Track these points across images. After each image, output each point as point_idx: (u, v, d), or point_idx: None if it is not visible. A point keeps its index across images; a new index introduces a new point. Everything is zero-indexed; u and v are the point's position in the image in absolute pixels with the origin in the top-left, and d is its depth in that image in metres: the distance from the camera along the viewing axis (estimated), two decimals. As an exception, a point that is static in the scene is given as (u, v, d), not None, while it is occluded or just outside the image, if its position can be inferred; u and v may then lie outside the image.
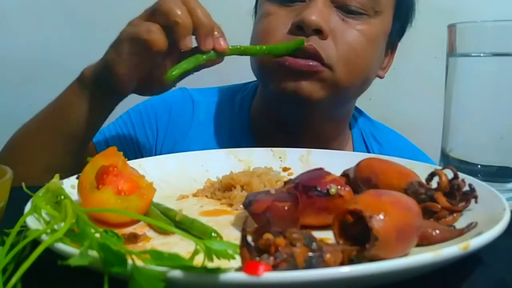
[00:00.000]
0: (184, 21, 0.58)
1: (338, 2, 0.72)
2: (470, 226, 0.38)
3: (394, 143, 0.91)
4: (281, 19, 0.72)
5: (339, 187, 0.43)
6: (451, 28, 0.56)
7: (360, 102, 1.20)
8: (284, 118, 0.81)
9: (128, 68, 0.64)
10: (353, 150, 0.87)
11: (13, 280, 0.27)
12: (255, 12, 0.85)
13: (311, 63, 0.69)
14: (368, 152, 0.87)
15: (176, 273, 0.27)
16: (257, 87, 0.90)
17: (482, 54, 0.55)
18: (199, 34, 0.60)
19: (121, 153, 0.48)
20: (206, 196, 0.56)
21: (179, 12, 0.58)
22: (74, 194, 0.44)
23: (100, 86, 0.68)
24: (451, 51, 0.57)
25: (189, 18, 0.59)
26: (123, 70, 0.64)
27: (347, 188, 0.43)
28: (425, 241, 0.38)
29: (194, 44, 0.61)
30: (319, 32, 0.69)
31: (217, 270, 0.27)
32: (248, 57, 0.75)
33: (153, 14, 0.61)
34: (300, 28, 0.69)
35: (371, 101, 1.22)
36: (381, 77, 0.85)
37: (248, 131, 0.87)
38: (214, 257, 0.29)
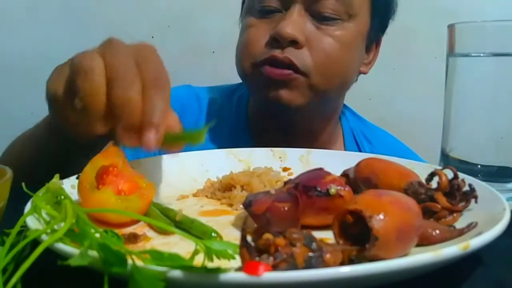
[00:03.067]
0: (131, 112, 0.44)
1: (312, 11, 0.73)
2: (470, 226, 0.38)
3: (385, 142, 0.94)
4: (261, 32, 0.75)
5: (339, 187, 0.43)
6: (451, 28, 0.56)
7: (360, 102, 1.21)
8: (274, 119, 0.83)
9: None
10: (344, 148, 0.90)
11: (13, 280, 0.27)
12: (240, 21, 0.87)
13: (285, 72, 0.72)
14: (359, 150, 0.90)
15: (176, 273, 0.27)
16: None
17: (482, 54, 0.55)
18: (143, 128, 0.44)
19: (122, 152, 0.48)
20: (206, 196, 0.56)
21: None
22: (74, 194, 0.44)
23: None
24: (451, 51, 0.57)
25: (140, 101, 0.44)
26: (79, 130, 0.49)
27: (347, 188, 0.43)
28: (425, 241, 0.38)
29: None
30: (294, 42, 0.72)
31: (217, 270, 0.27)
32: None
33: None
34: (276, 40, 0.72)
35: (371, 101, 1.22)
36: (364, 73, 0.86)
37: (246, 130, 0.88)
38: (214, 257, 0.29)
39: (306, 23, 0.73)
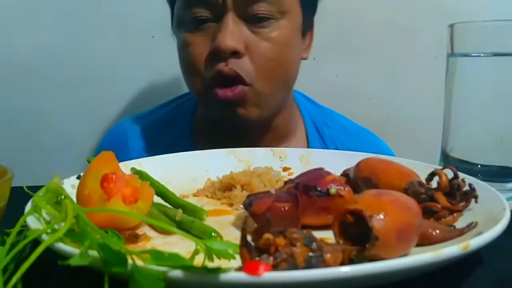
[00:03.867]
0: None
1: (245, 16, 0.74)
2: (470, 226, 0.38)
3: (342, 125, 0.95)
4: (199, 48, 0.75)
5: (339, 187, 0.43)
6: (451, 28, 0.57)
7: (360, 102, 1.21)
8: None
9: None
10: (306, 135, 0.91)
11: (14, 280, 0.27)
12: (174, 32, 0.86)
13: (236, 90, 0.73)
14: (320, 136, 0.91)
15: (176, 273, 0.27)
16: None
17: (482, 54, 0.55)
18: None
19: (114, 155, 0.47)
20: (206, 196, 0.56)
21: None
22: (74, 194, 0.44)
23: None
24: (451, 51, 0.57)
25: None
26: None
27: (347, 188, 0.44)
28: (425, 241, 0.38)
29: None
30: (235, 53, 0.72)
31: (217, 270, 0.27)
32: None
33: None
34: (217, 54, 0.72)
35: (371, 101, 1.22)
36: (305, 59, 0.87)
37: (188, 138, 0.89)
38: (215, 257, 0.29)
39: (242, 30, 0.73)
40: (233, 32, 0.72)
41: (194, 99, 0.93)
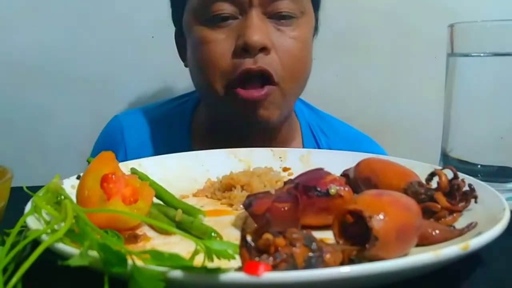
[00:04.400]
0: None
1: (269, 13, 0.73)
2: (470, 226, 0.38)
3: (340, 133, 0.94)
4: (222, 45, 0.73)
5: (339, 187, 0.43)
6: (451, 28, 0.57)
7: (360, 102, 1.21)
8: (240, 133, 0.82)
9: None
10: (302, 143, 0.90)
11: (14, 280, 0.27)
12: (178, 30, 0.85)
13: (263, 92, 0.72)
14: (317, 143, 0.91)
15: (176, 273, 0.27)
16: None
17: (482, 54, 0.55)
18: None
19: (114, 155, 0.47)
20: (206, 196, 0.56)
21: None
22: (74, 194, 0.44)
23: None
24: (451, 51, 0.57)
25: None
26: None
27: (347, 188, 0.44)
28: (425, 241, 0.38)
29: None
30: (263, 49, 0.71)
31: (217, 270, 0.27)
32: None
33: None
34: (245, 50, 0.71)
35: (371, 101, 1.22)
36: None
37: (187, 140, 0.88)
38: (214, 257, 0.29)
39: (267, 26, 0.73)
40: (260, 27, 0.71)
41: (194, 99, 0.93)
